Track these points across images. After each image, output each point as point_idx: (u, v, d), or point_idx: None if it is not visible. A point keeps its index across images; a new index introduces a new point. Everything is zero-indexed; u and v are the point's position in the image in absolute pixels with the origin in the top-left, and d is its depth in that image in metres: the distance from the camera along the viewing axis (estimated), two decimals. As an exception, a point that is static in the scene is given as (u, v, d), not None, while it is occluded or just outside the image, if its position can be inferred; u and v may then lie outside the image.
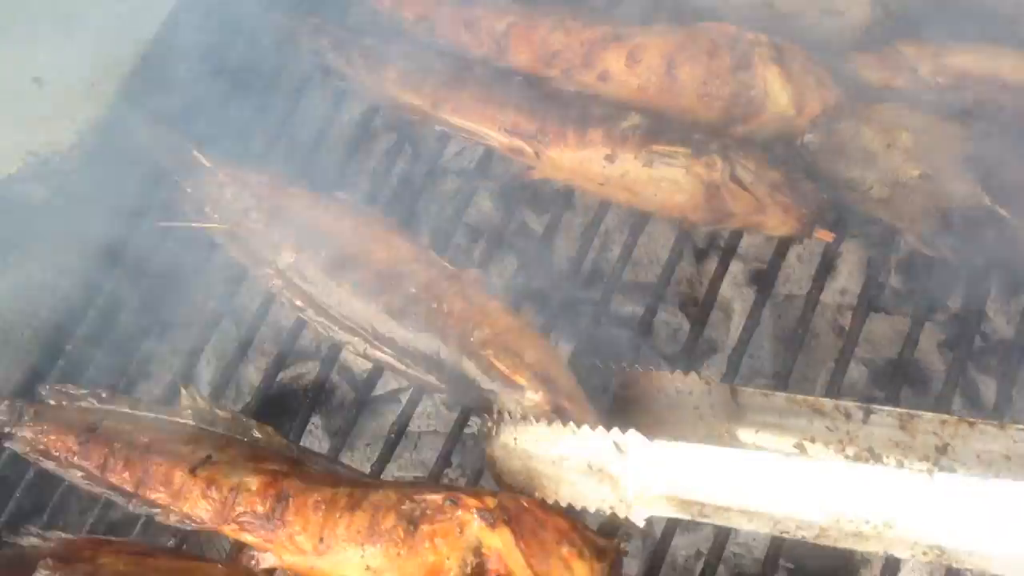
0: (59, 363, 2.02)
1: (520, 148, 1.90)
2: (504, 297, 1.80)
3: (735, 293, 2.23)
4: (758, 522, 1.47)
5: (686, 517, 1.53)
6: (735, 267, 2.16)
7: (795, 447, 1.66)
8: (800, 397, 1.66)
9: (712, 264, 2.09)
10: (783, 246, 1.91)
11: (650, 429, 1.54)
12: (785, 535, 1.46)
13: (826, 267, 1.93)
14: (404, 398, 1.95)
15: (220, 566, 1.70)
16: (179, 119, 2.10)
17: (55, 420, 1.82)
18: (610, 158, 1.81)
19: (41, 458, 1.80)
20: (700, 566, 1.83)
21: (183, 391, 1.83)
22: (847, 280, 2.20)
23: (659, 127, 1.85)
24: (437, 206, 2.21)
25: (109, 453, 1.76)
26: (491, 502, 1.59)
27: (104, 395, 1.86)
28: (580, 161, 1.85)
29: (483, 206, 2.31)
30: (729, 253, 1.93)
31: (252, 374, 2.23)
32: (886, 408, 1.63)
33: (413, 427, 2.14)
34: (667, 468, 1.52)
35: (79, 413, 1.83)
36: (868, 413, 1.63)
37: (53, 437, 1.80)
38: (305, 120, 2.21)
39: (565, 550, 1.57)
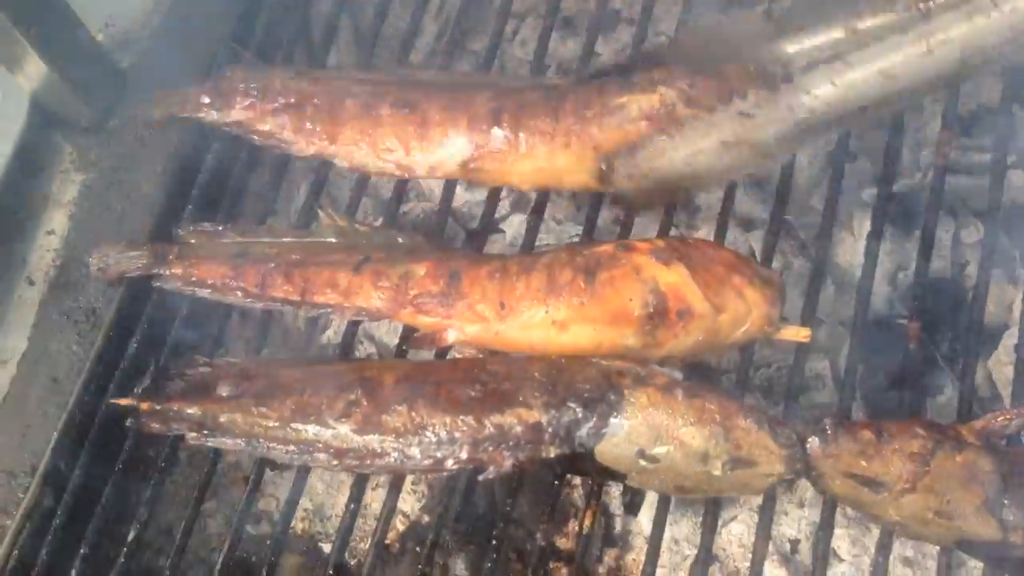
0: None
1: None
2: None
3: None
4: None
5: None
6: None
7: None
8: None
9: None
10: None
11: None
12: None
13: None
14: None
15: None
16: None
17: (201, 255, 1.84)
18: None
19: (196, 289, 1.81)
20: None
21: (320, 213, 1.86)
22: None
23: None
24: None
25: (266, 272, 1.79)
26: (661, 243, 1.66)
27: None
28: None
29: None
30: None
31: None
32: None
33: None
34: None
35: (223, 246, 1.86)
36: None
37: (204, 268, 1.82)
38: None
39: (736, 280, 1.65)
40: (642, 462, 1.56)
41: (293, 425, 1.66)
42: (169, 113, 1.96)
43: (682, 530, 2.00)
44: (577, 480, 2.10)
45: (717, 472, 1.54)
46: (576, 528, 2.09)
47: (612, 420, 1.56)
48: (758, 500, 1.99)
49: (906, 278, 2.09)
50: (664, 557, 1.98)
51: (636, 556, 2.05)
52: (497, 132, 1.74)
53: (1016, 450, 1.49)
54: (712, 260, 1.66)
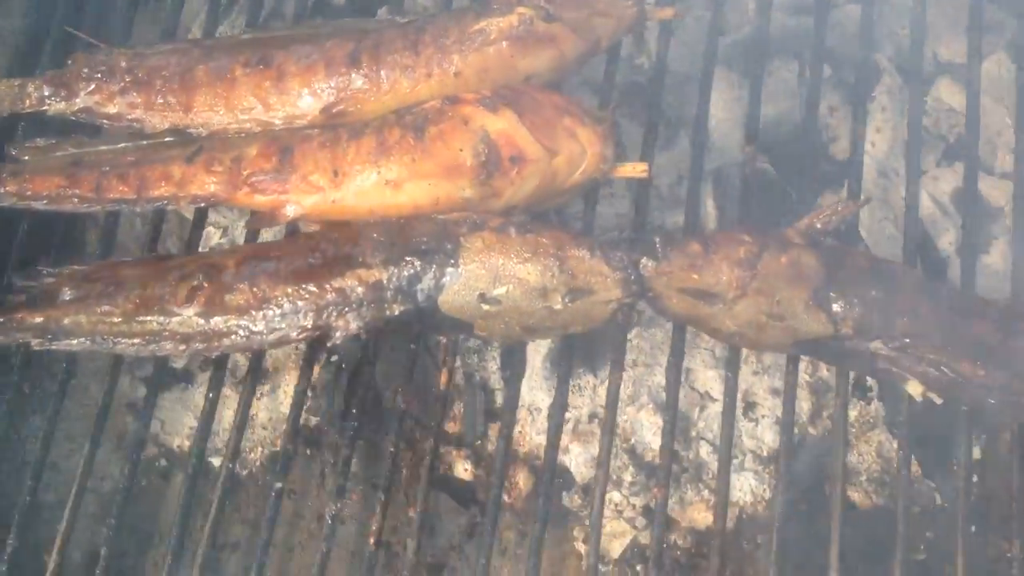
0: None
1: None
2: None
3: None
4: None
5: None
6: None
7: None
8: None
9: None
10: None
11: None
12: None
13: None
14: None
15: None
16: None
17: (34, 170, 1.79)
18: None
19: (31, 202, 1.78)
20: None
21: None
22: None
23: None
24: None
25: (100, 175, 1.75)
26: (487, 92, 1.65)
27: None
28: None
29: None
30: None
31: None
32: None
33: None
34: None
35: (56, 160, 1.82)
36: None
37: (38, 180, 1.78)
38: None
39: (567, 120, 1.65)
40: (485, 306, 1.56)
41: (138, 318, 1.64)
42: (10, 109, 1.85)
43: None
44: (459, 362, 2.10)
45: (558, 306, 1.54)
46: (460, 411, 2.10)
47: (450, 269, 1.56)
48: (632, 355, 2.02)
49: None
50: (546, 423, 1.99)
51: (521, 428, 2.06)
52: (357, 73, 1.70)
53: (839, 245, 1.51)
54: (541, 104, 1.66)
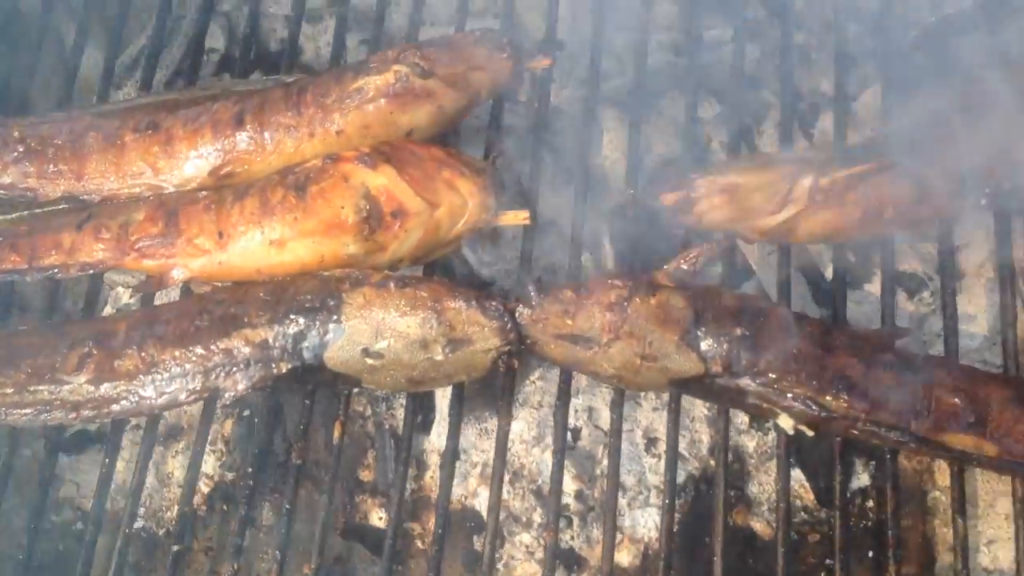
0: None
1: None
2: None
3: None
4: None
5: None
6: None
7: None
8: None
9: None
10: None
11: None
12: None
13: None
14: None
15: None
16: None
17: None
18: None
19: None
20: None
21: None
22: None
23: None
24: None
25: (-10, 247, 1.77)
26: (367, 149, 1.68)
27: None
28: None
29: None
30: None
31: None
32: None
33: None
34: None
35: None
36: None
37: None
38: None
39: (447, 173, 1.68)
40: (369, 360, 1.58)
41: (30, 388, 1.65)
42: None
43: (468, 439, 2.03)
44: (369, 411, 2.12)
45: (439, 357, 1.57)
46: (373, 460, 2.11)
47: (333, 325, 1.58)
48: (538, 396, 2.05)
49: (652, 160, 2.15)
50: (459, 468, 2.02)
51: (433, 473, 2.08)
52: (242, 135, 1.74)
53: (708, 285, 1.55)
54: (421, 158, 1.69)
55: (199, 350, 1.61)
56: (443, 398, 2.08)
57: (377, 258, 1.68)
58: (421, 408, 2.06)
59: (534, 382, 2.02)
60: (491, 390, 2.06)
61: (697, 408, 1.95)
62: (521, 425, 2.02)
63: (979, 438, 1.40)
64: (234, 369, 1.60)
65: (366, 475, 2.12)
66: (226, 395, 1.61)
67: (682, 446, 1.93)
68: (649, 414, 1.97)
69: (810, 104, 2.24)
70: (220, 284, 1.71)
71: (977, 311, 1.84)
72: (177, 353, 1.61)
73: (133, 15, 2.23)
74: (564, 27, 2.13)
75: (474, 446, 2.04)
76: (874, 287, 1.89)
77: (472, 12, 2.04)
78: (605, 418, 2.01)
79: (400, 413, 2.11)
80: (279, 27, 2.42)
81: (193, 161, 1.76)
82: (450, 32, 1.99)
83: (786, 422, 1.49)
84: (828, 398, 1.44)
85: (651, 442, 1.97)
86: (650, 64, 2.06)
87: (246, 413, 2.16)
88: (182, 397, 1.61)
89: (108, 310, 2.21)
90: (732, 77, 1.97)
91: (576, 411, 2.01)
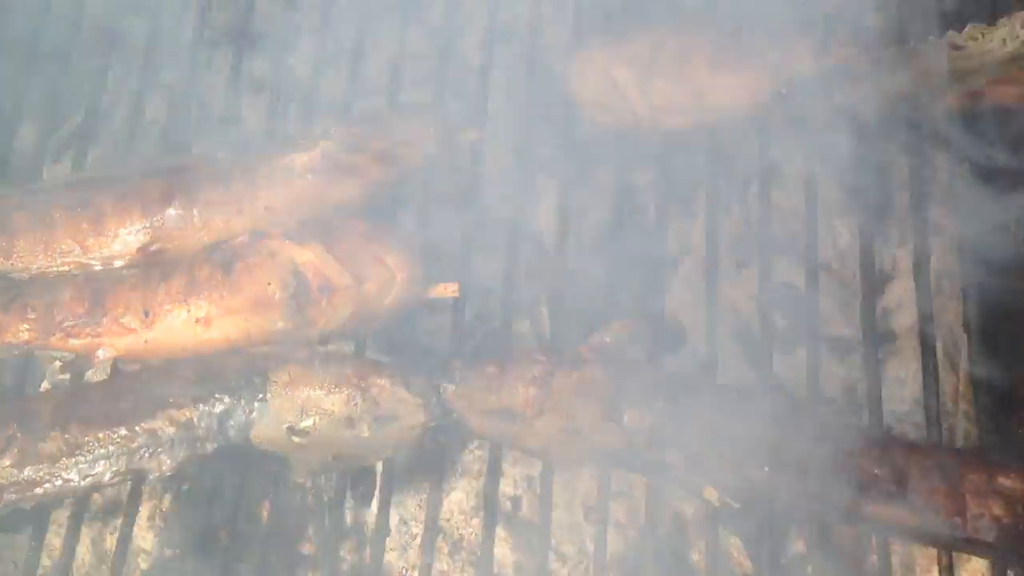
0: None
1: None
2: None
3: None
4: None
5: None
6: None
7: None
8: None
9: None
10: None
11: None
12: None
13: None
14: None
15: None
16: None
17: None
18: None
19: None
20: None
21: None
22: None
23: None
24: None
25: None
26: (294, 223, 1.69)
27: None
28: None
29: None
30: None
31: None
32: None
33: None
34: None
35: None
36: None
37: None
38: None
39: (375, 247, 1.69)
40: (295, 439, 1.57)
41: (-47, 473, 1.63)
42: None
43: (408, 510, 2.02)
44: (310, 482, 2.10)
45: (365, 434, 1.56)
46: (313, 532, 2.09)
47: (258, 404, 1.57)
48: (477, 465, 2.04)
49: (590, 226, 2.16)
50: (394, 539, 2.00)
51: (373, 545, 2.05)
52: (171, 212, 1.75)
53: (631, 359, 1.55)
54: (349, 233, 1.70)
55: (123, 431, 1.59)
56: (380, 469, 2.06)
57: (306, 333, 1.68)
58: (361, 479, 2.05)
59: (473, 451, 2.01)
60: (433, 457, 2.05)
61: (636, 475, 1.94)
62: (460, 495, 2.00)
63: (899, 509, 1.40)
64: (159, 450, 1.59)
65: (307, 548, 2.09)
66: (151, 476, 1.59)
67: (620, 514, 1.93)
68: (588, 482, 1.96)
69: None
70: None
71: (907, 374, 1.85)
72: (101, 435, 1.59)
73: (72, 89, 2.24)
74: (498, 95, 2.17)
75: (414, 517, 2.02)
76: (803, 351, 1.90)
77: (406, 82, 2.06)
78: (545, 486, 2.01)
79: (339, 484, 2.09)
80: (220, 97, 2.43)
81: (122, 238, 1.76)
82: (385, 101, 2.01)
83: (711, 494, 1.49)
84: (751, 470, 1.44)
85: (590, 510, 1.96)
86: (584, 131, 2.09)
87: (184, 487, 2.14)
88: (106, 479, 1.59)
89: (45, 385, 2.19)
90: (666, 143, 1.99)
91: (516, 480, 2.00)
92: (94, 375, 1.82)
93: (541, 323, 2.11)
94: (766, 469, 1.44)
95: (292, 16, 2.20)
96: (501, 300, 2.00)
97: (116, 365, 1.76)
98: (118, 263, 1.77)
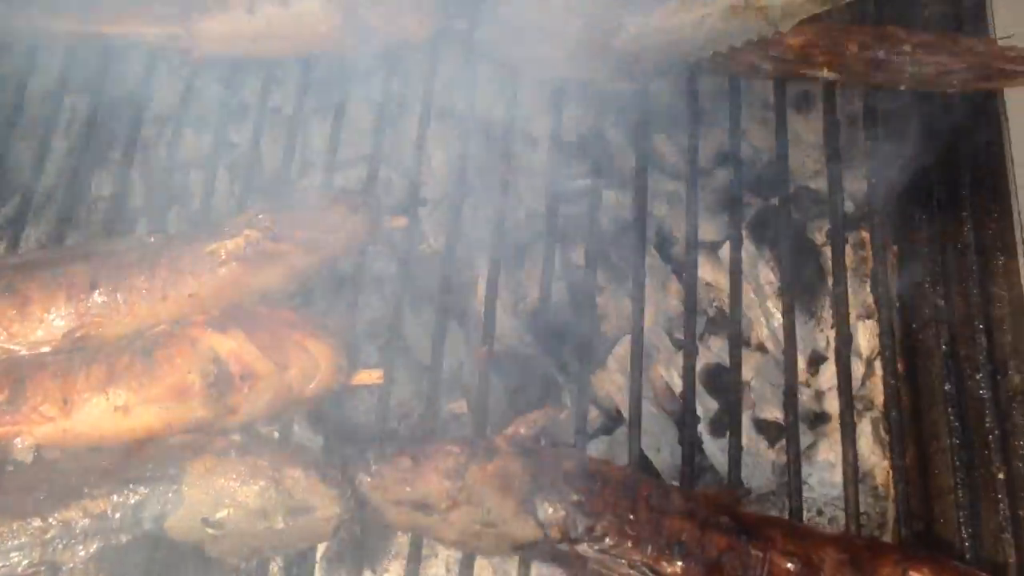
0: None
1: (172, 32, 2.05)
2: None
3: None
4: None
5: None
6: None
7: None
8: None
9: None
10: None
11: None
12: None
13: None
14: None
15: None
16: None
17: None
18: (250, 10, 1.98)
19: None
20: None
21: None
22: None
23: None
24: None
25: None
26: (218, 310, 1.69)
27: None
28: (228, 22, 2.01)
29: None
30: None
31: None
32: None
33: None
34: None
35: None
36: None
37: None
38: None
39: (298, 335, 1.69)
40: (209, 530, 1.55)
41: None
42: None
43: (337, 595, 1.99)
44: (243, 566, 2.07)
45: (280, 526, 1.54)
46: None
47: (172, 495, 1.55)
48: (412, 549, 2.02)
49: (526, 307, 2.16)
50: (326, 626, 1.97)
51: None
52: (96, 298, 1.74)
53: (548, 448, 1.55)
54: (272, 320, 1.70)
55: (37, 522, 1.57)
56: (315, 551, 2.04)
57: (228, 420, 1.67)
58: (295, 562, 2.02)
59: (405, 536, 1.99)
60: (371, 540, 2.03)
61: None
62: (395, 578, 1.98)
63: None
64: (72, 541, 1.56)
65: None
66: (65, 568, 1.57)
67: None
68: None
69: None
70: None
71: (838, 459, 1.84)
72: (15, 526, 1.57)
73: (12, 169, 2.25)
74: (436, 177, 2.19)
75: (342, 603, 1.99)
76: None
77: (340, 161, 2.07)
78: (477, 572, 1.98)
79: (272, 568, 2.06)
80: (174, 175, 2.43)
81: (48, 324, 1.75)
82: (318, 182, 2.03)
83: (627, 589, 1.47)
84: (664, 564, 1.43)
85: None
86: (520, 215, 2.11)
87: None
88: (19, 571, 1.56)
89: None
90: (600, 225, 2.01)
91: (448, 566, 1.98)
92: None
93: (470, 407, 2.11)
94: (679, 564, 1.43)
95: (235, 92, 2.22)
96: (428, 382, 2.00)
97: (39, 452, 1.75)
98: (44, 349, 1.76)
